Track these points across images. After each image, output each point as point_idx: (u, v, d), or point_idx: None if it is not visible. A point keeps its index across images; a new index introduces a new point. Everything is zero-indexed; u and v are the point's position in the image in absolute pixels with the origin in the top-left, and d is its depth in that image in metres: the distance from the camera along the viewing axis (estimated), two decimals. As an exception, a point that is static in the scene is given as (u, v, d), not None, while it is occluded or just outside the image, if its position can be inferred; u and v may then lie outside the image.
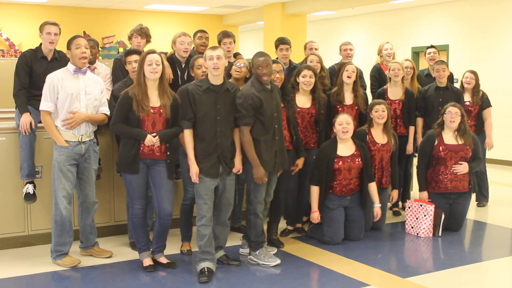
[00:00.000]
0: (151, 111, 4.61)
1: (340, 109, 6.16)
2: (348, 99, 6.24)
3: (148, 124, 4.63)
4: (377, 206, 5.86)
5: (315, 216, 5.65)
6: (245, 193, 5.10)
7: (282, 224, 6.02)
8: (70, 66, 4.85)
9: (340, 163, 5.67)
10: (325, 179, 5.64)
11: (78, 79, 4.83)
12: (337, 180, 5.69)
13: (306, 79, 5.69)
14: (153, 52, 4.64)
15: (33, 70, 5.21)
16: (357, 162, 5.72)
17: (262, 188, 4.89)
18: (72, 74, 4.81)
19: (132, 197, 4.78)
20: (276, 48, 6.67)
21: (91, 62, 5.81)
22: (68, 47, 4.86)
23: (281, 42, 6.62)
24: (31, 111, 5.15)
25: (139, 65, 4.62)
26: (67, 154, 4.82)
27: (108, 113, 4.96)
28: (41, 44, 5.37)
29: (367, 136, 6.02)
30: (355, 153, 5.75)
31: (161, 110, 4.63)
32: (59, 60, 5.33)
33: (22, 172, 5.28)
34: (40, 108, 4.81)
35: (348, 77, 6.13)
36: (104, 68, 6.08)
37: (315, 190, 5.69)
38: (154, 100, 4.64)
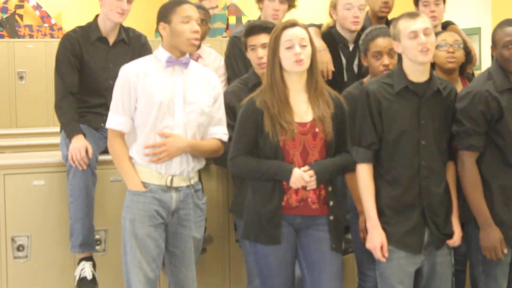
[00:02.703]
0: (298, 130, 3.53)
1: None
2: None
3: (295, 154, 3.54)
4: None
5: None
6: (469, 283, 3.92)
7: None
8: (161, 53, 3.67)
9: None
10: None
11: (173, 76, 3.69)
12: None
13: None
14: (294, 24, 3.55)
15: (84, 63, 4.18)
16: None
17: (501, 274, 3.67)
18: (164, 67, 3.66)
19: (268, 285, 3.66)
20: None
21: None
22: (165, 19, 3.66)
23: None
24: (86, 132, 4.10)
25: (272, 50, 3.51)
26: (145, 206, 3.72)
27: (227, 138, 3.89)
28: (96, 16, 4.27)
29: None
30: None
31: (317, 128, 3.54)
32: (129, 45, 4.26)
33: (72, 241, 4.08)
34: (108, 126, 3.73)
35: None
36: (214, 56, 4.72)
37: None
38: (302, 110, 3.55)
